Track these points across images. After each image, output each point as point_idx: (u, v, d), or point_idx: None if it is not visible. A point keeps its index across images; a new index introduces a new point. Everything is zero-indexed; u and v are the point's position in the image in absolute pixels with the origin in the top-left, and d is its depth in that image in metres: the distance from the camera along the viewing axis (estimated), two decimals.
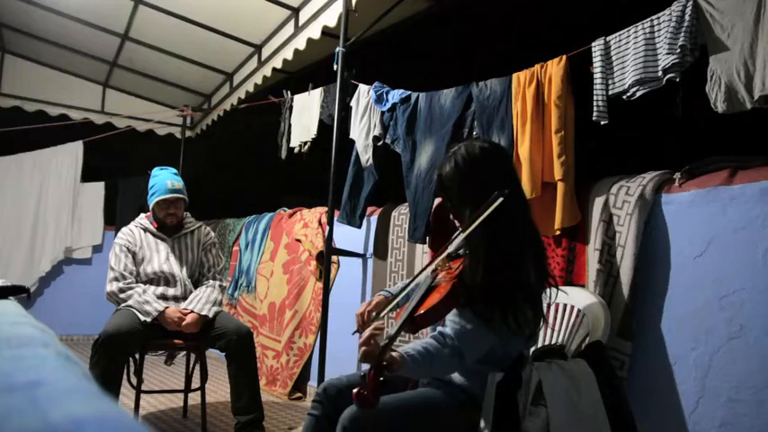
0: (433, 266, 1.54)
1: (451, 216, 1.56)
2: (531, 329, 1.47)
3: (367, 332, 1.37)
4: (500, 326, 1.41)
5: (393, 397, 1.50)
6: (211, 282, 2.73)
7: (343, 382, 1.61)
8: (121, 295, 2.54)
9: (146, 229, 2.74)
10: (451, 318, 1.47)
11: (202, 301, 2.59)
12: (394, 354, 1.33)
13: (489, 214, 1.39)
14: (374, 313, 1.62)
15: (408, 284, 1.63)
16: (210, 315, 2.56)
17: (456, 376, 1.56)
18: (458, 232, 1.53)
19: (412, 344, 1.42)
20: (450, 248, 1.54)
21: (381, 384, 1.25)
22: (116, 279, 2.57)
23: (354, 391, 1.23)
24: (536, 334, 1.58)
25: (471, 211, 1.44)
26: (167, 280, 2.67)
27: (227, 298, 4.38)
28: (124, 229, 2.75)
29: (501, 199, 1.36)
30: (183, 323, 2.49)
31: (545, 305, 1.54)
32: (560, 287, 1.57)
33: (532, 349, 1.93)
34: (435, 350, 1.40)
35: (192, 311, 2.53)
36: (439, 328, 1.49)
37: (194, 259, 2.79)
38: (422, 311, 1.39)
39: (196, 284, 2.75)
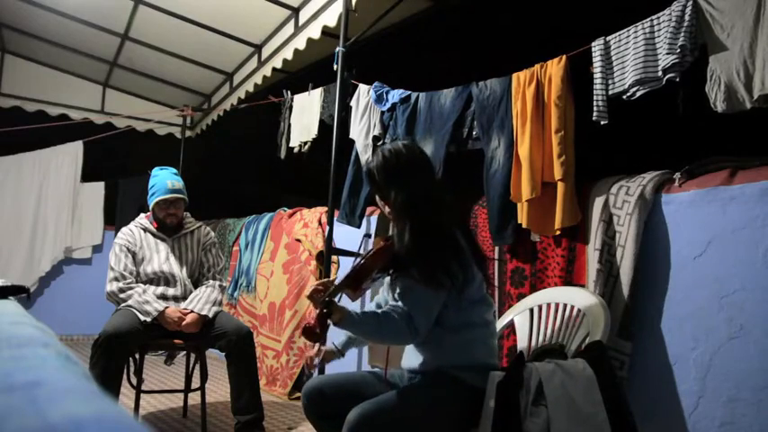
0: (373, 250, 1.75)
1: (380, 203, 1.77)
2: (462, 284, 1.59)
3: (320, 282, 1.63)
4: (434, 283, 1.54)
5: (394, 393, 1.52)
6: (211, 282, 2.73)
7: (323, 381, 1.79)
8: (121, 295, 2.54)
9: (146, 229, 2.74)
10: (398, 286, 1.62)
11: (202, 300, 2.59)
12: (338, 307, 1.53)
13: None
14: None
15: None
16: (210, 315, 2.56)
17: (454, 369, 1.59)
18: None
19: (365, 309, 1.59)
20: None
21: (325, 318, 1.49)
22: (116, 279, 2.57)
23: (303, 325, 1.47)
24: (486, 299, 1.69)
25: (396, 194, 1.66)
26: (167, 280, 2.67)
27: (227, 298, 4.38)
28: (124, 229, 2.75)
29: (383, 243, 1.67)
30: (183, 323, 2.49)
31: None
32: (558, 286, 1.60)
33: (533, 348, 1.93)
34: (383, 314, 1.55)
35: (191, 311, 2.53)
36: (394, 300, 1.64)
37: (194, 259, 2.78)
38: (356, 268, 1.59)
39: (196, 284, 2.75)
